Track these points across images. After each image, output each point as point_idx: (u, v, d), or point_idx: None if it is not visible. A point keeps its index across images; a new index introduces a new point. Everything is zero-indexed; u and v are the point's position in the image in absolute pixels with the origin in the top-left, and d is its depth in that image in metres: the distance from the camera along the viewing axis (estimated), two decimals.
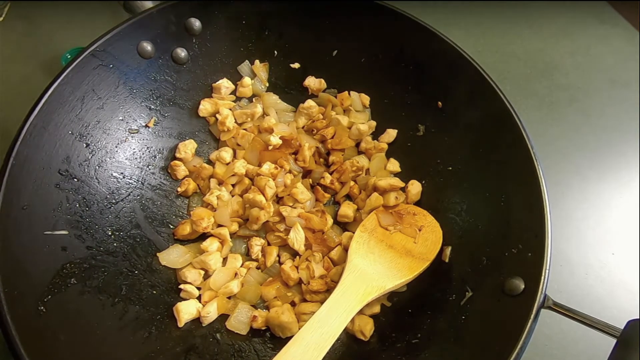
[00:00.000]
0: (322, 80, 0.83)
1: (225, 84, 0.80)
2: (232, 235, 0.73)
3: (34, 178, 0.59)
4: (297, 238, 0.71)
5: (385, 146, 0.81)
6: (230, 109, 0.80)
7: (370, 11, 0.76)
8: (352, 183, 0.77)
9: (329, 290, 0.68)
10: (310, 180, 0.78)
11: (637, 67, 1.01)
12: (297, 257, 0.72)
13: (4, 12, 0.91)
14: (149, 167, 0.75)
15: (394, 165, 0.79)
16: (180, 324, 0.64)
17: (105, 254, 0.64)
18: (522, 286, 0.58)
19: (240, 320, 0.66)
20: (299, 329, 0.62)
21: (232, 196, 0.75)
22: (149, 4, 0.73)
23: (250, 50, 0.82)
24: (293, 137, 0.77)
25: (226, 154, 0.77)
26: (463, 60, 0.71)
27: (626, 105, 0.96)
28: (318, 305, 0.65)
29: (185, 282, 0.68)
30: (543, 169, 0.62)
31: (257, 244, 0.72)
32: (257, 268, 0.72)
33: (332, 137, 0.80)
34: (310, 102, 0.81)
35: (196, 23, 0.75)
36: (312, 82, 0.83)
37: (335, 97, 0.82)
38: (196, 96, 0.80)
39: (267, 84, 0.84)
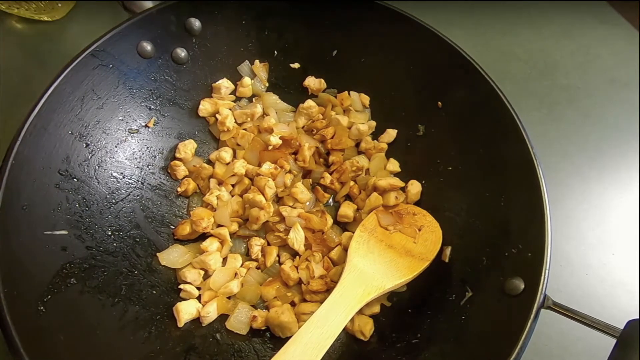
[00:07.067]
0: (322, 80, 0.83)
1: (225, 84, 0.80)
2: (232, 235, 0.73)
3: (33, 178, 0.59)
4: (297, 238, 0.71)
5: (385, 146, 0.81)
6: (230, 109, 0.80)
7: (370, 11, 0.76)
8: (352, 183, 0.77)
9: (328, 290, 0.68)
10: (311, 180, 0.78)
11: (637, 67, 1.00)
12: (297, 257, 0.72)
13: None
14: (149, 167, 0.75)
15: (393, 165, 0.79)
16: (180, 324, 0.64)
17: (105, 254, 0.64)
18: (522, 286, 0.57)
19: (240, 320, 0.66)
20: (299, 328, 0.62)
21: (232, 196, 0.75)
22: (149, 4, 0.73)
23: (250, 50, 0.82)
24: (293, 137, 0.77)
25: (226, 154, 0.77)
26: (463, 61, 0.71)
27: (626, 105, 0.96)
28: (318, 305, 0.64)
29: (185, 282, 0.68)
30: (543, 169, 0.62)
31: (257, 244, 0.72)
32: (257, 268, 0.72)
33: (332, 137, 0.80)
34: (310, 102, 0.81)
35: (196, 23, 0.75)
36: (312, 82, 0.83)
37: (335, 97, 0.82)
38: (196, 96, 0.80)
39: (267, 84, 0.84)
